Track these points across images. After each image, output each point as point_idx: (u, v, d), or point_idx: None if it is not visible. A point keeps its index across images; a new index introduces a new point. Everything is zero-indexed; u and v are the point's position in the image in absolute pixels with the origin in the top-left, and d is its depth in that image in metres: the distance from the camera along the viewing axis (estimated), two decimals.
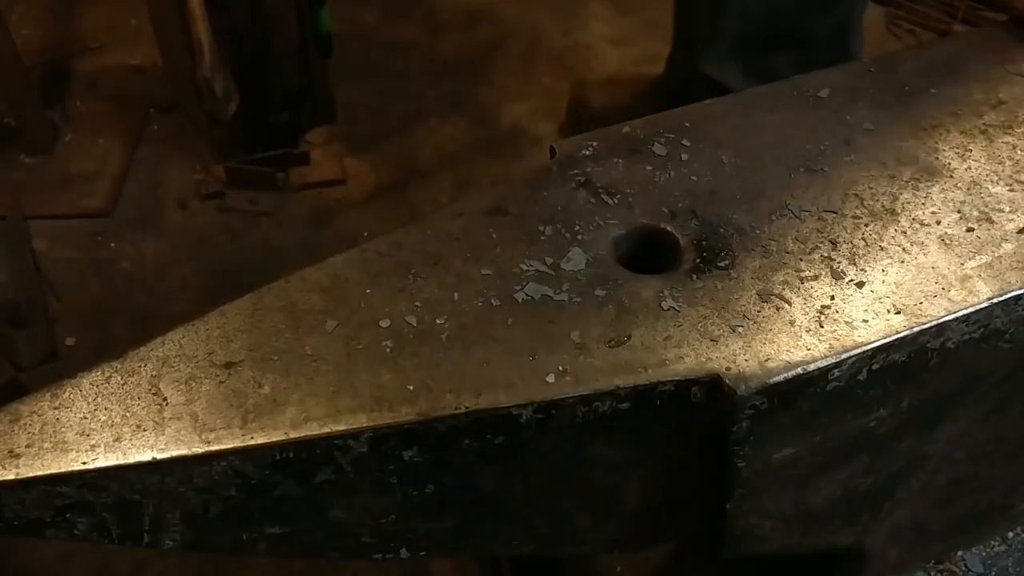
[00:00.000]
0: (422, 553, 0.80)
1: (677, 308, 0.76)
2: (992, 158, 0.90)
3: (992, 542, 1.23)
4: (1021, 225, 0.84)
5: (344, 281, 0.78)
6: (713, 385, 0.72)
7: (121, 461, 0.65)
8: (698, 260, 0.80)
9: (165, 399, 0.69)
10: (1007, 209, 0.85)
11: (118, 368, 0.71)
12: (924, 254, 0.81)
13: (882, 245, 0.82)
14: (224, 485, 0.68)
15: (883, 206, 0.85)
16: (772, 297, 0.77)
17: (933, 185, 0.87)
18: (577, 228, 0.83)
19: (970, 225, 0.84)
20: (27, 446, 0.65)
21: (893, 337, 0.75)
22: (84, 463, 0.65)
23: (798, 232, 0.83)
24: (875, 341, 0.74)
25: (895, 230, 0.83)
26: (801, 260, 0.80)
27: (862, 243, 0.82)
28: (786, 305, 0.77)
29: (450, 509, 0.77)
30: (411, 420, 0.68)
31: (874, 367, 0.76)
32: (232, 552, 0.74)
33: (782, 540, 0.89)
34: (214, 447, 0.66)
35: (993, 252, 0.81)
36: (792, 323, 0.75)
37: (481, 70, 2.86)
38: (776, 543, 0.89)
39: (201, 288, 2.27)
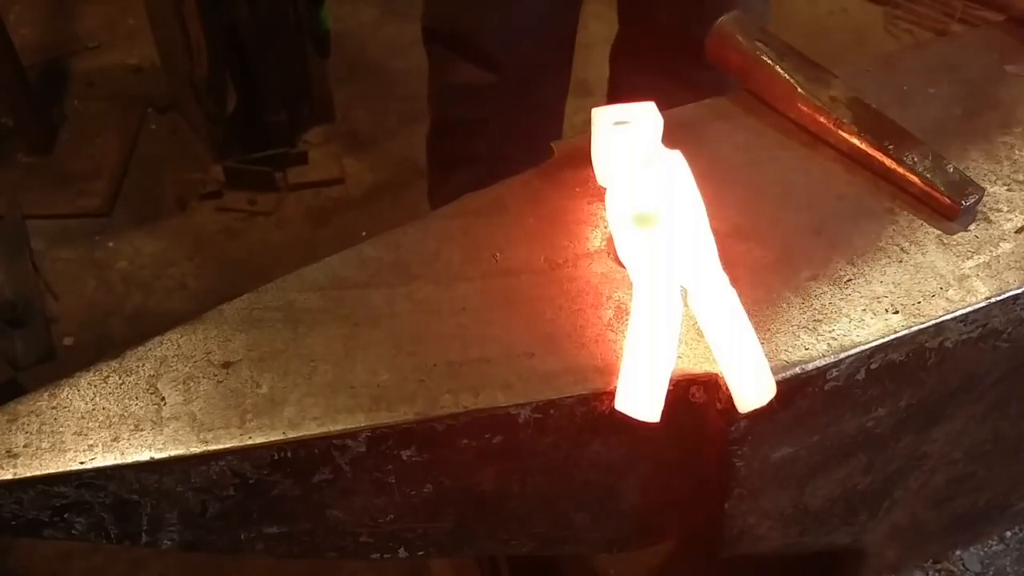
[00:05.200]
0: (420, 553, 0.80)
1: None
2: (990, 158, 0.90)
3: (990, 541, 1.23)
4: (1019, 225, 0.84)
5: (342, 281, 0.78)
6: (712, 384, 0.72)
7: (119, 461, 0.65)
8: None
9: (163, 399, 0.69)
10: (1005, 209, 0.85)
11: (116, 368, 0.71)
12: (922, 254, 0.81)
13: (880, 245, 0.82)
14: (222, 485, 0.68)
15: (881, 205, 0.85)
16: (770, 296, 0.77)
17: None
18: (576, 227, 0.83)
19: (968, 225, 0.84)
20: (25, 446, 0.65)
21: (891, 337, 0.75)
22: (82, 463, 0.65)
23: (796, 231, 0.83)
24: (873, 341, 0.74)
25: (893, 230, 0.83)
26: (799, 259, 0.80)
27: (860, 242, 0.82)
28: (784, 304, 0.77)
29: (448, 509, 0.77)
30: (409, 420, 0.68)
31: (872, 367, 0.76)
32: (230, 552, 0.74)
33: (780, 539, 0.89)
34: (212, 447, 0.66)
35: (991, 252, 0.81)
36: (790, 322, 0.75)
37: None
38: (774, 542, 0.89)
39: (199, 288, 2.27)
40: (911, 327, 0.75)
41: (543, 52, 1.48)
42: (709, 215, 0.77)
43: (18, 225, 2.35)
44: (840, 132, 0.88)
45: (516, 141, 1.52)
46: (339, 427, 0.68)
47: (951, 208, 0.83)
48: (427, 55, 1.57)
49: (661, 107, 0.85)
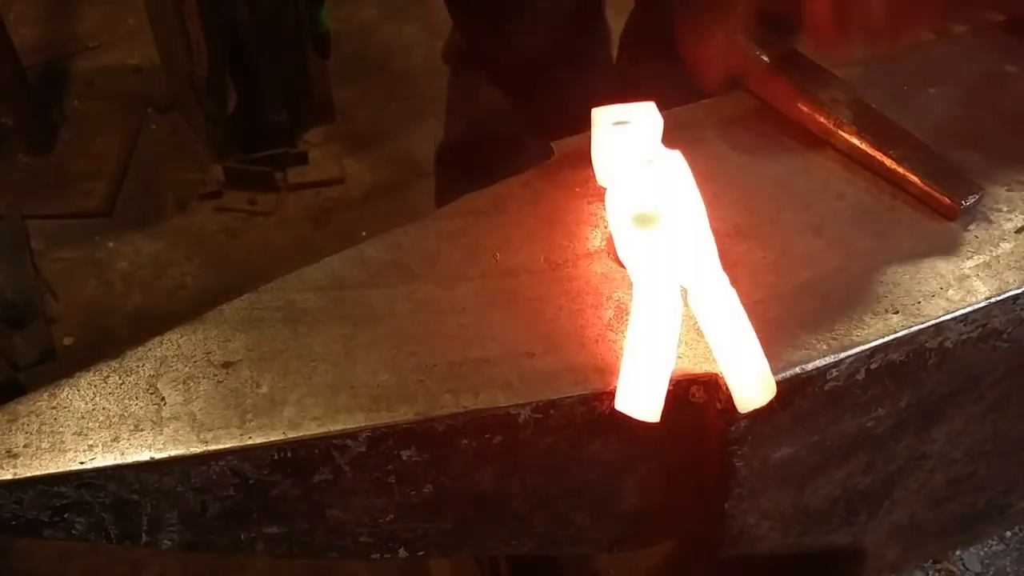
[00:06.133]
0: (420, 553, 0.80)
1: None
2: (990, 158, 0.90)
3: (990, 541, 1.23)
4: (1019, 225, 0.84)
5: (342, 281, 0.78)
6: (712, 384, 0.72)
7: (119, 461, 0.65)
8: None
9: (163, 399, 0.69)
10: (1005, 209, 0.85)
11: (116, 368, 0.71)
12: (922, 254, 0.81)
13: (880, 245, 0.82)
14: (222, 485, 0.68)
15: (881, 205, 0.85)
16: (770, 296, 0.77)
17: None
18: (576, 227, 0.83)
19: (968, 225, 0.84)
20: (25, 446, 0.65)
21: (891, 337, 0.75)
22: (82, 463, 0.65)
23: (796, 231, 0.83)
24: (873, 341, 0.74)
25: (893, 229, 0.83)
26: (799, 259, 0.80)
27: (860, 242, 0.82)
28: (784, 304, 0.77)
29: (448, 509, 0.77)
30: (409, 420, 0.68)
31: (872, 367, 0.76)
32: (230, 552, 0.74)
33: (780, 540, 0.89)
34: (212, 447, 0.66)
35: (991, 252, 0.81)
36: (790, 322, 0.75)
37: None
38: (774, 543, 0.89)
39: (199, 288, 2.28)
40: (911, 327, 0.75)
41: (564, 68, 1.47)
42: (709, 215, 0.77)
43: (18, 225, 2.35)
44: (840, 132, 0.88)
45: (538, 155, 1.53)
46: (339, 427, 0.68)
47: (951, 208, 0.83)
48: (451, 77, 1.55)
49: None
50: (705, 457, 0.78)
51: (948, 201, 0.83)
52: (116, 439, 0.66)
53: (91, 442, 0.66)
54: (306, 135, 2.66)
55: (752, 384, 0.69)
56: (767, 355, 0.70)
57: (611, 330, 0.74)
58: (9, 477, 0.64)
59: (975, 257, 0.81)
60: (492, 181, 0.88)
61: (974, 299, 0.78)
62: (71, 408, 0.68)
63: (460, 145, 1.62)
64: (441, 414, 0.69)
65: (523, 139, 1.49)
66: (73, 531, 0.68)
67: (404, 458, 0.70)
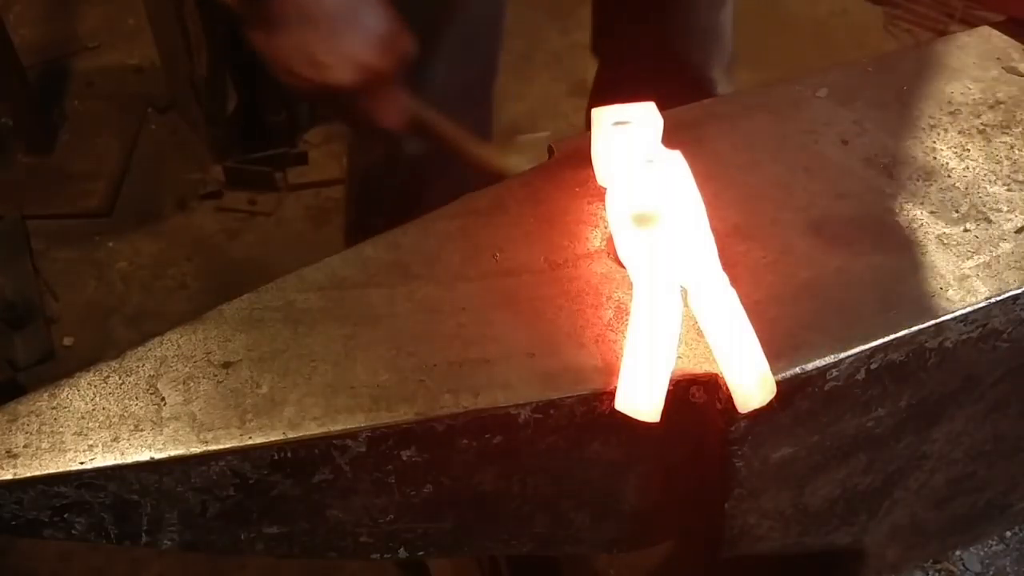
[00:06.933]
0: (420, 553, 0.80)
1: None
2: (990, 158, 0.90)
3: (990, 541, 1.23)
4: (1019, 225, 0.84)
5: (342, 281, 0.78)
6: (712, 384, 0.72)
7: (119, 461, 0.65)
8: None
9: (163, 399, 0.69)
10: (1005, 209, 0.85)
11: (116, 368, 0.71)
12: (922, 254, 0.81)
13: (880, 244, 0.82)
14: (222, 485, 0.68)
15: (881, 205, 0.85)
16: (770, 296, 0.77)
17: (931, 185, 0.87)
18: (576, 227, 0.83)
19: (968, 225, 0.84)
20: (25, 446, 0.65)
21: (891, 337, 0.75)
22: (82, 463, 0.65)
23: (796, 231, 0.83)
24: (873, 341, 0.74)
25: (893, 230, 0.83)
26: (799, 259, 0.80)
27: (860, 242, 0.82)
28: (784, 304, 0.77)
29: (448, 509, 0.77)
30: (409, 420, 0.68)
31: (872, 367, 0.76)
32: (230, 552, 0.74)
33: (780, 540, 0.89)
34: (212, 447, 0.66)
35: (991, 252, 0.81)
36: (790, 322, 0.75)
37: None
38: (774, 542, 0.89)
39: (199, 288, 2.27)
40: (911, 327, 0.75)
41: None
42: (709, 215, 0.77)
43: (18, 225, 2.35)
44: None
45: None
46: (339, 427, 0.68)
47: None
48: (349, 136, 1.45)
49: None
50: (705, 457, 0.78)
51: None
52: (116, 439, 0.66)
53: (91, 442, 0.66)
54: (306, 135, 2.66)
55: (752, 384, 0.69)
56: (767, 355, 0.70)
57: (611, 330, 0.74)
58: (9, 477, 0.64)
59: (975, 257, 0.81)
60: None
61: (974, 299, 0.78)
62: (71, 408, 0.68)
63: (376, 207, 1.50)
64: (441, 414, 0.69)
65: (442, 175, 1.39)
66: (73, 531, 0.68)
67: (404, 458, 0.70)
